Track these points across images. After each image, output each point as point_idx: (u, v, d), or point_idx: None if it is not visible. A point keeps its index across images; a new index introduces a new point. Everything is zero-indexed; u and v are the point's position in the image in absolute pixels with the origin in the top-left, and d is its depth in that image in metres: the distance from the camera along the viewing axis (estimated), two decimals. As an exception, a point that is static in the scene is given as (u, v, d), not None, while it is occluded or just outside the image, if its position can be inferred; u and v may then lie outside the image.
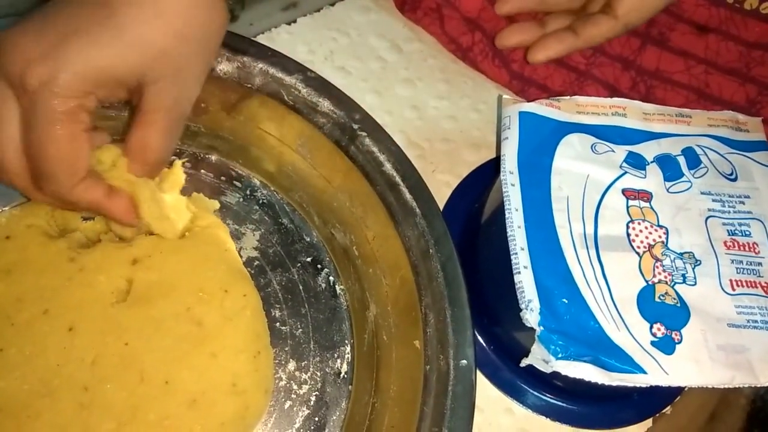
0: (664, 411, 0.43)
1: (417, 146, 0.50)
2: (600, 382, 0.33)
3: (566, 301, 0.35)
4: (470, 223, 0.46)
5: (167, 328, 0.34)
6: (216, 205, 0.40)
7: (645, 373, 0.34)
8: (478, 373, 0.43)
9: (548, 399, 0.41)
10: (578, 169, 0.39)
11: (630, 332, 0.35)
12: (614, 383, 0.33)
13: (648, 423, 0.43)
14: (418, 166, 0.41)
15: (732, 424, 0.46)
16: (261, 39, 0.51)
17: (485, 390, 0.42)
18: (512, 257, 0.36)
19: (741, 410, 0.46)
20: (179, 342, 0.34)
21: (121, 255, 0.36)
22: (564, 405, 0.42)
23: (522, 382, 0.42)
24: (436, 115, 0.52)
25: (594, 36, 0.45)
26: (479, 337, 0.43)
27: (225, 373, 0.34)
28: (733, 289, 0.37)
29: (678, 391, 0.44)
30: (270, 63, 0.41)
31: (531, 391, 0.42)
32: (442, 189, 0.49)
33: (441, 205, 0.47)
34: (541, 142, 0.40)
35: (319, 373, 0.39)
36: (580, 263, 0.36)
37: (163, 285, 0.35)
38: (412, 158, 0.41)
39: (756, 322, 0.37)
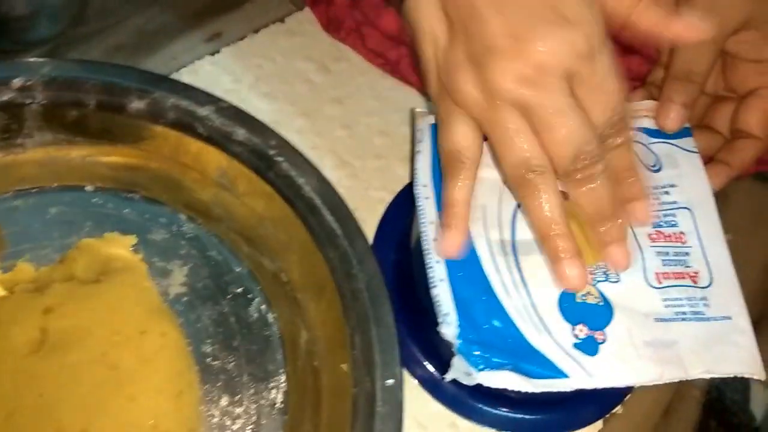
0: (614, 411, 0.43)
1: (349, 165, 0.50)
2: (524, 390, 0.33)
3: (485, 311, 0.34)
4: (405, 239, 0.46)
5: (82, 376, 0.34)
6: (133, 240, 0.40)
7: (566, 377, 0.33)
8: (421, 389, 0.42)
9: (491, 410, 0.41)
10: (492, 176, 0.39)
11: (551, 336, 0.34)
12: (538, 390, 0.33)
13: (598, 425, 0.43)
14: (351, 185, 0.40)
15: (687, 417, 0.45)
16: (184, 73, 0.51)
17: (428, 406, 0.42)
18: (428, 271, 0.35)
19: (696, 402, 0.46)
20: (96, 389, 0.34)
21: (34, 304, 0.35)
22: (508, 414, 0.41)
23: (465, 395, 0.41)
24: (367, 132, 0.51)
25: (746, 163, 0.45)
26: (419, 354, 0.42)
27: (145, 416, 0.34)
28: (660, 282, 0.37)
29: (628, 389, 0.43)
30: (181, 97, 0.41)
31: (474, 403, 0.41)
32: (377, 206, 0.48)
33: (376, 222, 0.47)
34: (455, 152, 0.39)
35: (253, 406, 0.39)
36: (498, 271, 0.36)
37: (78, 332, 0.35)
38: (345, 177, 0.41)
39: (684, 314, 0.36)
